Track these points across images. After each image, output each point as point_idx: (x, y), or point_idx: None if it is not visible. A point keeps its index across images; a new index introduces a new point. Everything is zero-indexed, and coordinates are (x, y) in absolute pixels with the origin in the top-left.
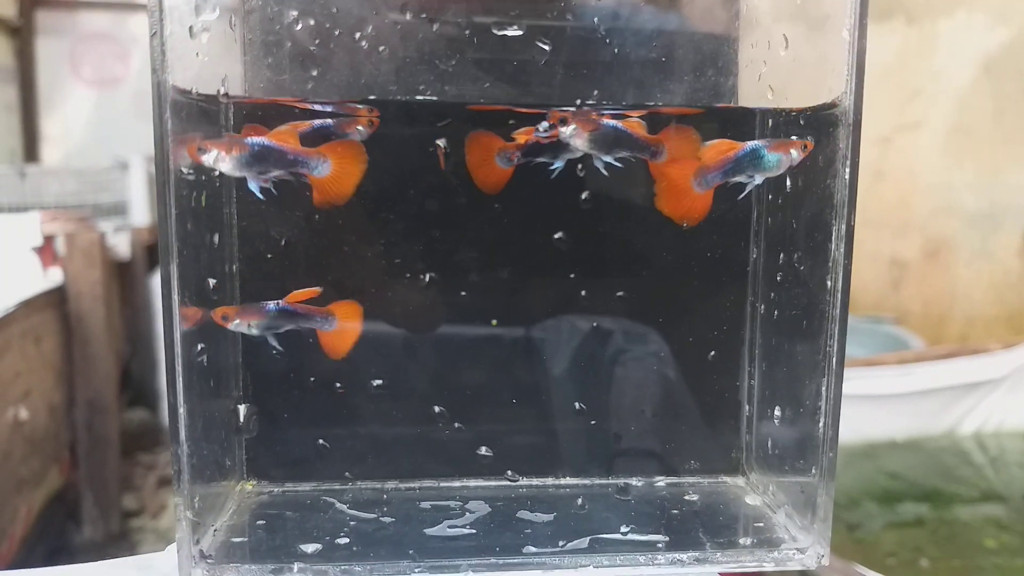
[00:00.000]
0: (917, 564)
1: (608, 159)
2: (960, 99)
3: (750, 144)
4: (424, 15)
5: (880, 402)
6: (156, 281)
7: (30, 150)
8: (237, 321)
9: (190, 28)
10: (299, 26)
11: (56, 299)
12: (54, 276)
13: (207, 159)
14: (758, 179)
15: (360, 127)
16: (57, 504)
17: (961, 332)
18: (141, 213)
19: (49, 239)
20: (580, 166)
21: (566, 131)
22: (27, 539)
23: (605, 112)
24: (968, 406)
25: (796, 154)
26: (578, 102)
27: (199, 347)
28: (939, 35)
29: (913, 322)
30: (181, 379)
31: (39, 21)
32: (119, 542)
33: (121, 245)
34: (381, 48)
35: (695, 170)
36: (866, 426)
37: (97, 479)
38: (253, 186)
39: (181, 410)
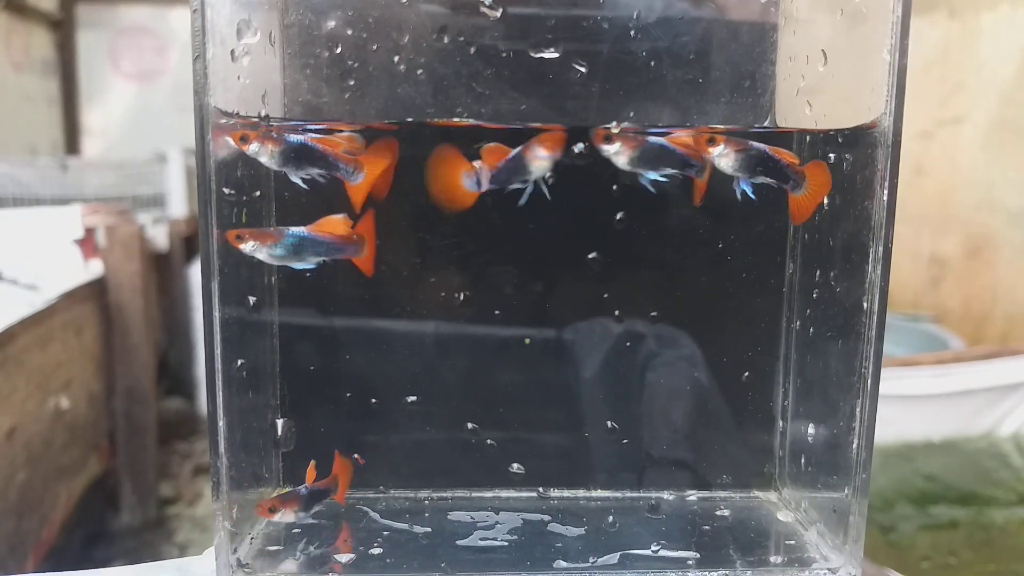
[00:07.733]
0: (952, 568)
1: (654, 176)
2: (1003, 93)
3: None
4: (461, 37)
5: (917, 402)
6: (193, 272)
7: (71, 143)
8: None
9: (232, 52)
10: (337, 48)
11: (96, 291)
12: (94, 268)
13: (251, 149)
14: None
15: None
16: (96, 491)
17: (1002, 332)
18: (179, 205)
19: (90, 231)
20: (615, 186)
21: (611, 149)
22: (67, 524)
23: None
24: (1008, 408)
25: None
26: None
27: (239, 362)
28: (982, 29)
29: (952, 321)
30: (221, 393)
31: (80, 15)
32: (156, 528)
33: (159, 237)
34: (418, 71)
35: None
36: (902, 427)
37: (135, 467)
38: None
39: (221, 423)
